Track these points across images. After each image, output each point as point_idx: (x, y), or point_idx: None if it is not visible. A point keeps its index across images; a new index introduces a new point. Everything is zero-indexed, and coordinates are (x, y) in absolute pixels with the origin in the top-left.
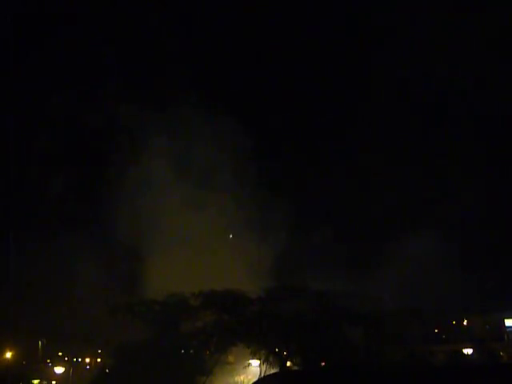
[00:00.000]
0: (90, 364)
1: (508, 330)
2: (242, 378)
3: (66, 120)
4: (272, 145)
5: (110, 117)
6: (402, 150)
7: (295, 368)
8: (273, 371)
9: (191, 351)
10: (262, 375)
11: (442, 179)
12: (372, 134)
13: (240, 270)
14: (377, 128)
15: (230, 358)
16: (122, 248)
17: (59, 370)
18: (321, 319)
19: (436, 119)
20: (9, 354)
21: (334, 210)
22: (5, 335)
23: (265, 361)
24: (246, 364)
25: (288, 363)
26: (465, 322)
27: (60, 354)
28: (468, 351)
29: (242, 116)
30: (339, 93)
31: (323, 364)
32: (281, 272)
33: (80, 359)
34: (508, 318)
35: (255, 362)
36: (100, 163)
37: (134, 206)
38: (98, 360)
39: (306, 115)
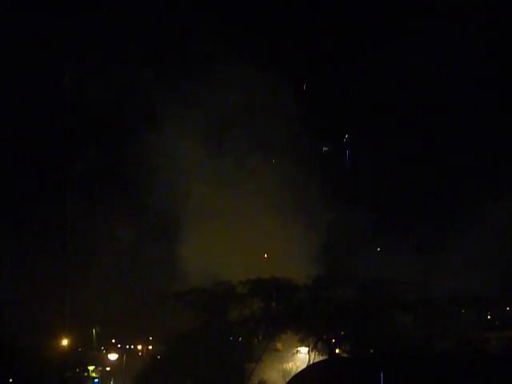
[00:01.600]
0: (141, 351)
1: None
2: (290, 365)
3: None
4: (324, 118)
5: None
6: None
7: (344, 355)
8: (321, 358)
9: (240, 339)
10: (311, 362)
11: None
12: None
13: (286, 255)
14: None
15: (279, 346)
16: (163, 233)
17: (113, 356)
18: (370, 306)
19: None
20: (65, 342)
21: (385, 193)
22: (61, 323)
23: (313, 348)
24: (295, 351)
25: (337, 350)
26: None
27: (113, 341)
28: None
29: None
30: None
31: (372, 351)
32: (329, 258)
33: (132, 346)
34: None
35: (303, 350)
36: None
37: (172, 187)
38: (150, 347)
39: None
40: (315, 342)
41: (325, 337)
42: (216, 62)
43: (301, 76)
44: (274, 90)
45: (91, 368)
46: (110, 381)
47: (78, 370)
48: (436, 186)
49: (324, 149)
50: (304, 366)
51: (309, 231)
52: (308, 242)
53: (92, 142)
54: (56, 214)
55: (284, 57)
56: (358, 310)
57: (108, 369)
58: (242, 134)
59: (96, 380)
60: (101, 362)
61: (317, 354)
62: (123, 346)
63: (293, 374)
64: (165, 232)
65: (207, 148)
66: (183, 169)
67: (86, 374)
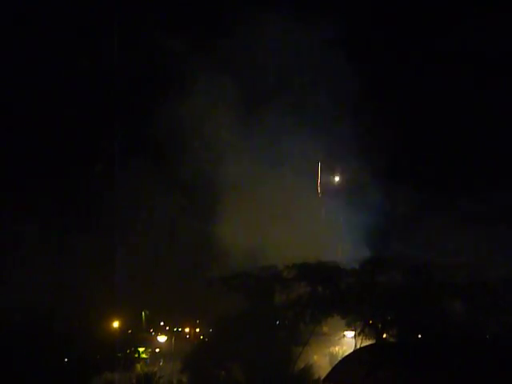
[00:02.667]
0: (189, 334)
1: None
2: (337, 349)
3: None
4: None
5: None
6: None
7: (391, 340)
8: (368, 343)
9: (286, 323)
10: (358, 347)
11: None
12: None
13: (333, 238)
14: None
15: (325, 329)
16: (206, 214)
17: (162, 338)
18: (419, 290)
19: None
20: (116, 324)
21: (436, 170)
22: (112, 306)
23: (360, 332)
24: (341, 335)
25: (384, 335)
26: None
27: (161, 324)
28: None
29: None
30: None
31: (420, 336)
32: (376, 240)
33: (180, 329)
34: None
35: (350, 334)
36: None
37: (213, 165)
38: (197, 330)
39: None
40: (362, 326)
41: (372, 321)
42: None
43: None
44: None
45: (141, 349)
46: (160, 362)
47: (128, 351)
48: (490, 162)
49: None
50: (351, 350)
51: (356, 213)
52: (355, 224)
53: (126, 114)
54: (99, 197)
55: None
56: (406, 294)
57: (157, 350)
58: (285, 103)
59: (146, 361)
60: (150, 343)
61: (364, 338)
62: (171, 329)
63: (339, 358)
64: (207, 212)
65: (250, 123)
66: (226, 145)
67: (136, 355)
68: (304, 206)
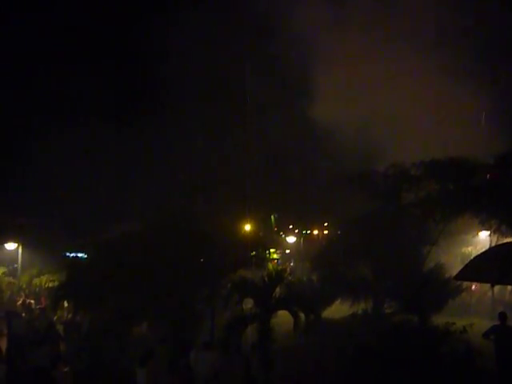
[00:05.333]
0: (317, 236)
1: None
2: (469, 249)
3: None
4: None
5: None
6: None
7: None
8: (504, 241)
9: (414, 221)
10: (492, 245)
11: None
12: None
13: (464, 131)
14: None
15: (456, 228)
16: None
17: (291, 239)
18: None
19: None
20: (248, 227)
21: None
22: (244, 210)
23: (495, 230)
24: (474, 234)
25: None
26: None
27: (290, 227)
28: None
29: None
30: None
31: None
32: None
33: (308, 232)
34: None
35: (484, 233)
36: None
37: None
38: (325, 232)
39: None
40: (498, 224)
41: (509, 219)
42: None
43: None
44: None
45: (272, 250)
46: (290, 262)
47: (260, 249)
48: None
49: None
50: (484, 249)
51: (491, 99)
52: (489, 113)
53: None
54: None
55: None
56: None
57: (287, 251)
58: None
59: (278, 261)
60: (280, 245)
61: (499, 236)
62: (300, 232)
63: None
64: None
65: None
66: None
67: (267, 255)
68: (429, 92)
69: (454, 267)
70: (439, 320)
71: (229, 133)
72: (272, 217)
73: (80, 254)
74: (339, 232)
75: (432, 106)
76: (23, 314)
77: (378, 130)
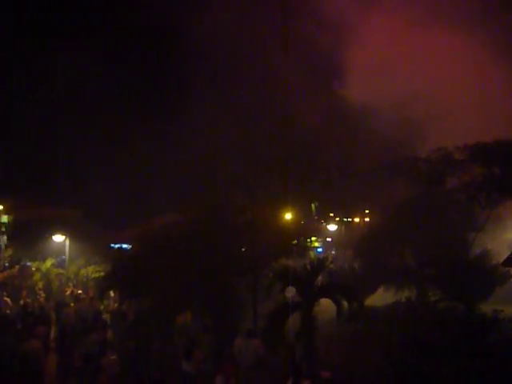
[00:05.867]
0: (359, 223)
1: None
2: None
3: None
4: None
5: None
6: None
7: None
8: None
9: (459, 207)
10: None
11: None
12: None
13: (509, 111)
14: None
15: (503, 213)
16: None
17: (332, 227)
18: None
19: None
20: (289, 216)
21: None
22: (284, 198)
23: None
24: None
25: None
26: None
27: (331, 215)
28: None
29: None
30: None
31: None
32: None
33: (350, 219)
34: None
35: None
36: None
37: None
38: (366, 219)
39: None
40: None
41: None
42: None
43: None
44: None
45: (313, 238)
46: (332, 250)
47: (301, 238)
48: None
49: None
50: None
51: None
52: None
53: None
54: None
55: None
56: None
57: (329, 239)
58: None
59: (319, 249)
60: (322, 233)
61: None
62: (341, 219)
63: None
64: None
65: None
66: None
67: (309, 244)
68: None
69: (501, 253)
70: (486, 308)
71: (267, 121)
72: (312, 205)
73: (124, 246)
74: (381, 219)
75: (476, 86)
76: (72, 304)
77: (418, 112)
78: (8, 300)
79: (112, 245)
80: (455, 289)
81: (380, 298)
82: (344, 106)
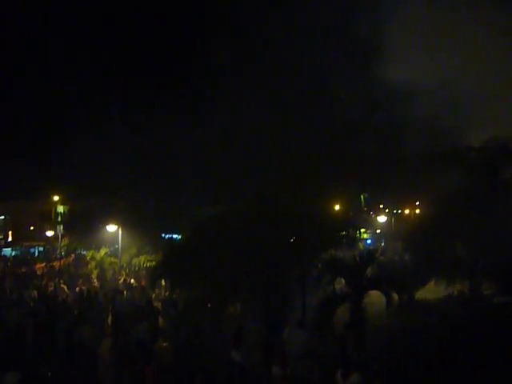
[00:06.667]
0: (409, 215)
1: None
2: None
3: None
4: None
5: None
6: None
7: None
8: None
9: None
10: None
11: None
12: None
13: None
14: None
15: None
16: None
17: (382, 218)
18: None
19: None
20: (337, 207)
21: None
22: (334, 190)
23: None
24: None
25: None
26: None
27: (381, 206)
28: None
29: None
30: None
31: None
32: None
33: (400, 211)
34: None
35: None
36: None
37: None
38: (417, 211)
39: None
40: None
41: None
42: None
43: None
44: None
45: (363, 230)
46: (381, 242)
47: (351, 230)
48: None
49: None
50: None
51: None
52: None
53: None
54: None
55: None
56: None
57: (378, 231)
58: None
59: (368, 241)
60: (371, 225)
61: None
62: (391, 211)
63: None
64: None
65: None
66: None
67: (358, 236)
68: None
69: None
70: None
71: (316, 110)
72: (362, 196)
73: (175, 236)
74: (432, 211)
75: None
76: (125, 292)
77: (470, 99)
78: (65, 287)
79: (163, 235)
80: (511, 283)
81: (431, 291)
82: (389, 90)
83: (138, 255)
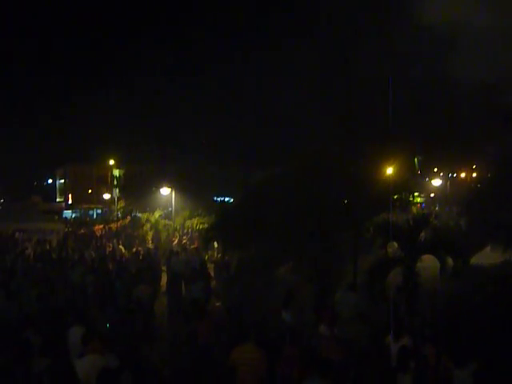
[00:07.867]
0: (465, 179)
1: None
2: None
3: None
4: None
5: None
6: None
7: None
8: None
9: None
10: None
11: None
12: None
13: None
14: None
15: None
16: None
17: (436, 182)
18: None
19: None
20: (390, 170)
21: None
22: (387, 152)
23: None
24: None
25: None
26: None
27: (435, 170)
28: None
29: None
30: None
31: None
32: None
33: (455, 174)
34: None
35: None
36: None
37: None
38: (474, 174)
39: None
40: None
41: None
42: None
43: None
44: None
45: (416, 194)
46: (436, 206)
47: (403, 194)
48: None
49: None
50: None
51: None
52: None
53: None
54: None
55: None
56: None
57: (432, 195)
58: None
59: (422, 205)
60: (425, 189)
61: None
62: (445, 175)
63: None
64: None
65: None
66: None
67: (411, 199)
68: None
69: None
70: None
71: (371, 75)
72: (415, 159)
73: (227, 199)
74: (491, 174)
75: None
76: (180, 253)
77: None
78: (122, 248)
79: (215, 198)
80: None
81: (487, 256)
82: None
83: (190, 218)
